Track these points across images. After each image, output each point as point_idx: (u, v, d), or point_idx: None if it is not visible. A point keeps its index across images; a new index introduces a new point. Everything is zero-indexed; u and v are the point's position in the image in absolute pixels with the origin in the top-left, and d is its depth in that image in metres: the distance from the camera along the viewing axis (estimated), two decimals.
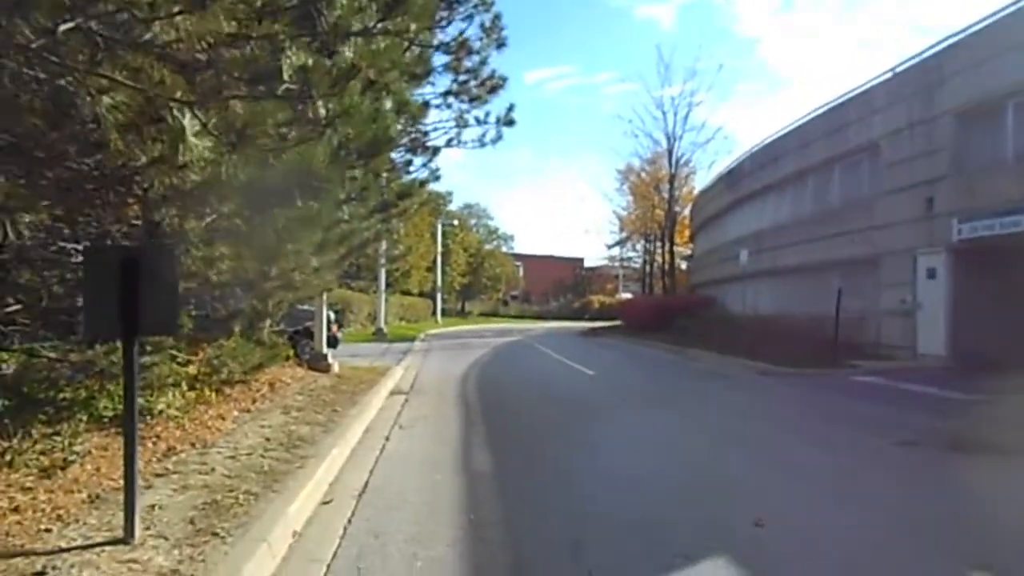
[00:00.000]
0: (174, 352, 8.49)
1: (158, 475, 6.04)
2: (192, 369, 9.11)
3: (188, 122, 4.30)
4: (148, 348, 7.18)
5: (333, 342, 18.79)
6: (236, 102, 4.78)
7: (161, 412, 7.63)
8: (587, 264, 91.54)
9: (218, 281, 8.87)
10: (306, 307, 19.13)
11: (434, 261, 51.10)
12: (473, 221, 75.09)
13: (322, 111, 5.19)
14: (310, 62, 4.60)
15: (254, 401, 9.92)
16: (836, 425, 10.36)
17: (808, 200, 24.34)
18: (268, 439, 7.76)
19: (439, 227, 51.00)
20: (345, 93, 5.17)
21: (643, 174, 44.80)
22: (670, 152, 39.72)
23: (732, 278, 30.98)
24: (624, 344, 31.07)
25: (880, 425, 10.09)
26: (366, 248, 12.60)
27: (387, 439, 8.81)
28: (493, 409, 11.64)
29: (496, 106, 14.52)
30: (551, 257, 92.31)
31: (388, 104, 7.23)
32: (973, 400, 12.08)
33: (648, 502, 6.11)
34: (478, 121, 14.11)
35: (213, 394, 9.00)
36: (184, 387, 8.52)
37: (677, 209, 41.90)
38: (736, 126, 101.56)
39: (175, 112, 4.31)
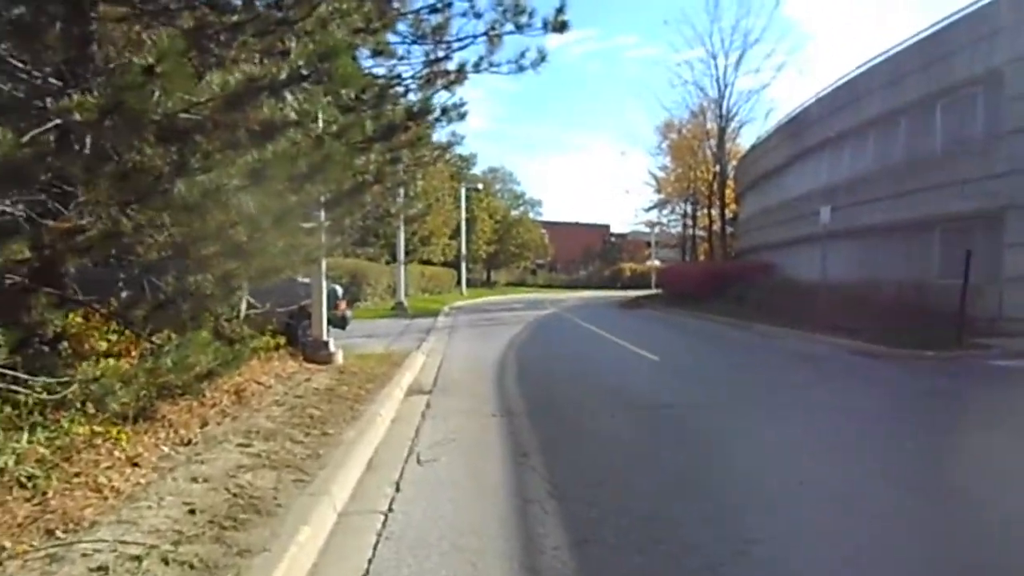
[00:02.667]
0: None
1: None
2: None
3: None
4: None
5: (341, 322, 15.74)
6: None
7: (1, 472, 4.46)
8: (614, 231, 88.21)
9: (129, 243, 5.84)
10: (307, 280, 16.08)
11: (457, 228, 47.86)
12: (498, 186, 71.56)
13: None
14: None
15: (204, 424, 6.76)
16: None
17: (899, 147, 20.65)
18: (194, 511, 4.59)
19: (462, 191, 47.64)
20: None
21: (684, 130, 40.96)
22: (720, 101, 35.73)
23: (795, 241, 27.42)
24: (674, 317, 27.72)
25: None
26: (362, 195, 9.34)
27: (397, 490, 5.63)
28: (548, 421, 8.42)
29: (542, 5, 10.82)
30: (577, 224, 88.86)
31: None
32: None
33: None
34: (517, 28, 10.56)
35: (116, 429, 5.74)
36: (73, 419, 5.36)
37: (719, 169, 38.01)
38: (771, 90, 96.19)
39: None
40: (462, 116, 12.03)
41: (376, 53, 10.47)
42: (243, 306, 10.22)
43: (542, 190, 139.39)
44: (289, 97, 5.64)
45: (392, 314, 26.89)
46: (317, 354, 11.82)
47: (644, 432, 7.87)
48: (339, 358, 12.11)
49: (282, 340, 11.53)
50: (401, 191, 14.06)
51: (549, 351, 16.30)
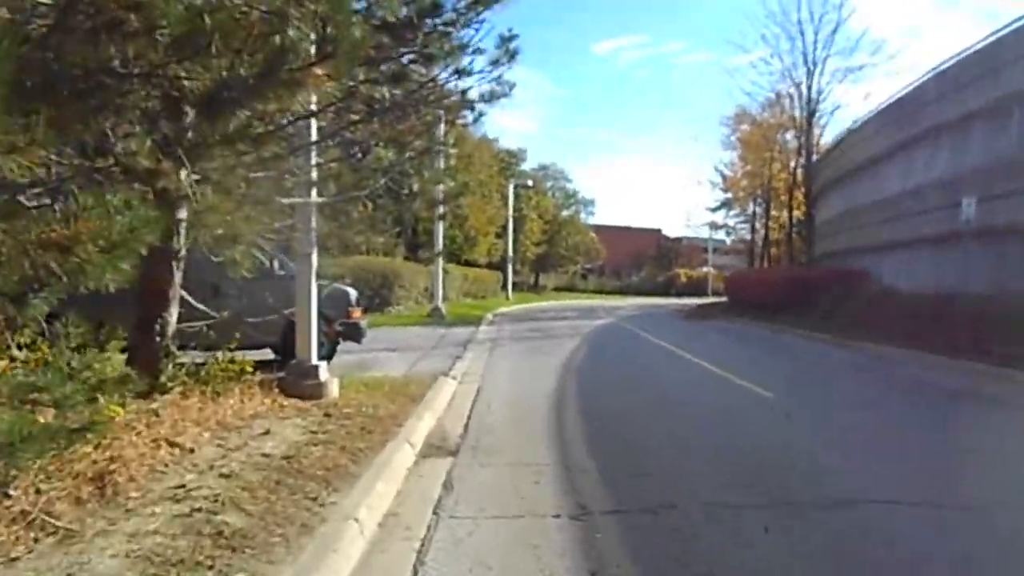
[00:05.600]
0: None
1: None
2: None
3: None
4: None
5: (355, 334, 12.38)
6: None
7: None
8: (667, 235, 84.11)
9: None
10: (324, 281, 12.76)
11: (504, 227, 44.28)
12: (549, 183, 67.62)
13: None
14: None
15: None
16: None
17: None
18: None
19: (510, 188, 44.10)
20: None
21: (760, 120, 36.49)
22: (809, 85, 31.08)
23: (896, 244, 23.26)
24: (753, 331, 23.78)
25: None
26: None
27: None
28: (654, 538, 4.75)
29: None
30: (628, 228, 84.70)
31: None
32: None
33: None
34: None
35: None
36: None
37: (804, 160, 33.44)
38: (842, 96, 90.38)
39: None
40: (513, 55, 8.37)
41: None
42: (171, 314, 6.76)
43: (591, 195, 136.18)
44: None
45: (427, 321, 23.44)
46: (300, 384, 8.31)
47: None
48: (333, 389, 8.60)
49: (249, 366, 8.08)
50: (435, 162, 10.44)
51: (621, 379, 12.53)
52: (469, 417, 8.62)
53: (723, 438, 7.73)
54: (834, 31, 31.38)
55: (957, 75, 20.43)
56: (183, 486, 4.69)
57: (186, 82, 3.30)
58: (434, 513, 5.04)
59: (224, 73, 3.07)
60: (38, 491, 3.96)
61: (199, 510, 4.24)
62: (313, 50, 3.27)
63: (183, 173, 5.58)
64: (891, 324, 17.42)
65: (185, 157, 4.51)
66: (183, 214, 5.95)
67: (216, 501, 4.42)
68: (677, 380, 12.40)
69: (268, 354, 11.14)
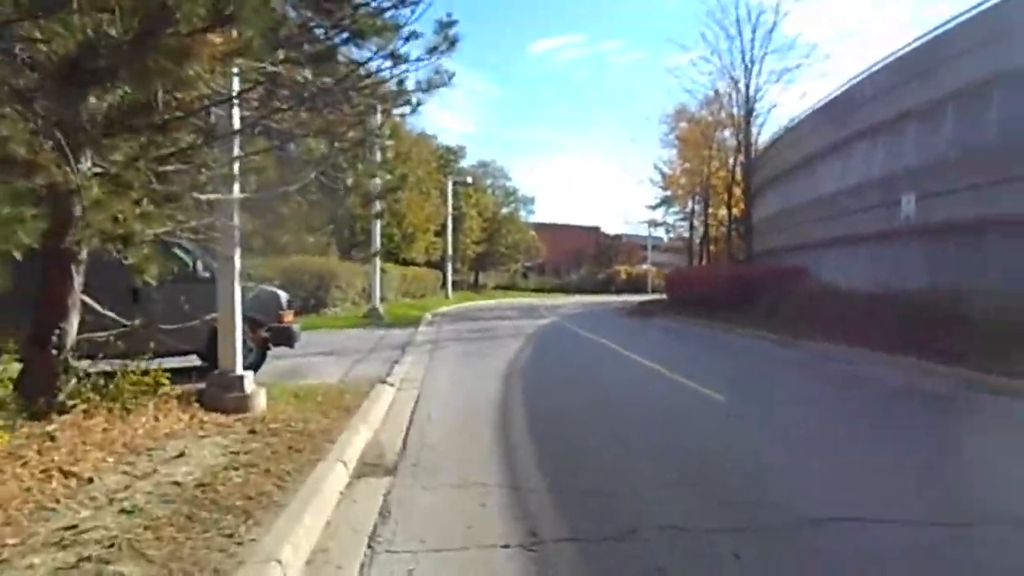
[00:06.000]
0: None
1: None
2: None
3: None
4: None
5: (286, 339, 11.67)
6: None
7: None
8: (606, 232, 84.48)
9: None
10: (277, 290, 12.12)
11: (443, 225, 43.56)
12: (489, 181, 66.98)
13: None
14: None
15: None
16: None
17: (992, 124, 16.60)
18: None
19: (449, 185, 43.41)
20: None
21: (699, 117, 36.50)
22: (747, 83, 31.16)
23: (834, 242, 23.50)
24: (697, 329, 23.72)
25: None
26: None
27: None
28: (619, 568, 4.31)
29: None
30: (567, 226, 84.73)
31: None
32: None
33: None
34: None
35: None
36: None
37: (742, 157, 33.56)
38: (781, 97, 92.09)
39: None
40: (451, 43, 7.82)
41: None
42: (71, 324, 6.02)
43: (531, 192, 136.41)
44: None
45: (364, 323, 22.68)
46: (222, 398, 7.63)
47: None
48: (259, 402, 7.94)
49: (165, 378, 7.37)
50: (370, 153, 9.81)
51: (566, 382, 12.07)
52: (408, 429, 8.06)
53: (679, 446, 7.34)
54: (771, 30, 31.62)
55: (893, 74, 20.65)
56: (74, 526, 4.04)
57: (42, 46, 2.67)
58: (369, 547, 4.50)
59: (90, 33, 2.46)
60: None
61: (88, 559, 3.61)
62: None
63: (84, 164, 4.92)
64: (831, 321, 17.40)
65: (69, 146, 3.88)
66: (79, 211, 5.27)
67: (111, 546, 3.79)
68: (625, 381, 12.02)
69: (195, 360, 10.42)
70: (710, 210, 39.78)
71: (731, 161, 35.58)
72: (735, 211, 36.18)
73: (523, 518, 5.05)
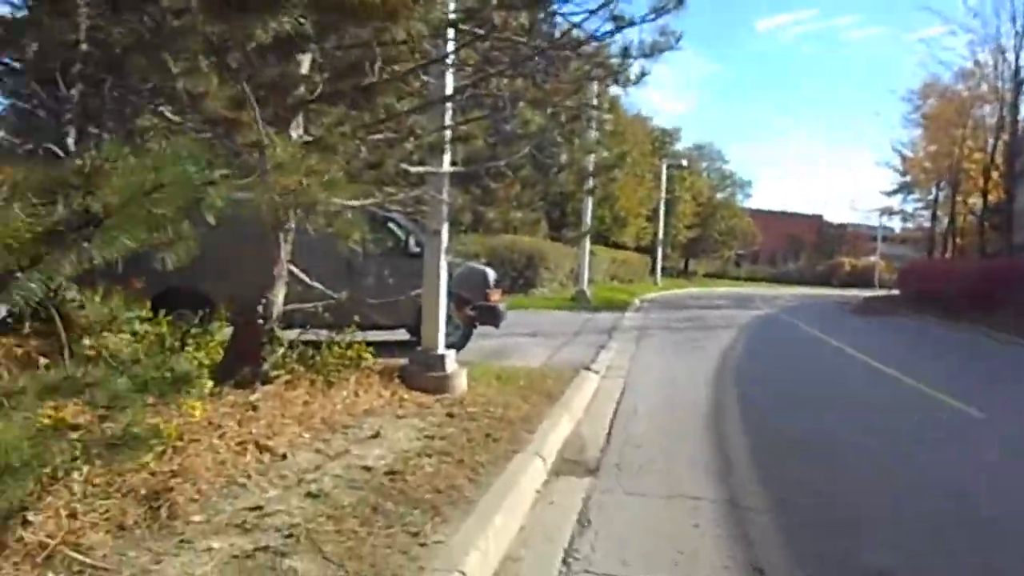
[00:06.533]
0: None
1: None
2: None
3: None
4: None
5: (491, 317, 11.46)
6: None
7: None
8: (827, 220, 78.52)
9: None
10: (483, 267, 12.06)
11: (655, 209, 42.33)
12: (704, 164, 64.39)
13: None
14: None
15: None
16: None
17: None
18: None
19: (663, 168, 42.07)
20: None
21: (951, 93, 32.30)
22: (1018, 51, 26.94)
23: None
24: (937, 331, 20.99)
25: None
26: None
27: None
28: None
29: None
30: (785, 213, 79.59)
31: None
32: None
33: None
34: None
35: None
36: None
37: (1006, 137, 29.20)
38: None
39: None
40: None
41: None
42: (277, 294, 5.99)
43: (747, 176, 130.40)
44: None
45: (571, 305, 22.35)
46: (423, 376, 7.43)
47: None
48: (460, 382, 7.67)
49: (368, 352, 7.30)
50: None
51: (790, 385, 10.81)
52: (612, 423, 7.45)
53: (933, 469, 6.14)
54: None
55: None
56: (259, 507, 3.83)
57: None
58: (564, 562, 3.95)
59: None
60: (73, 514, 3.18)
61: (265, 549, 3.34)
62: None
63: (295, 131, 4.75)
64: None
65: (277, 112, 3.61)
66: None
67: (290, 536, 3.50)
68: (859, 391, 10.56)
69: (402, 335, 10.51)
70: (959, 197, 35.20)
71: (990, 142, 31.16)
72: (990, 198, 31.77)
73: (745, 547, 4.28)
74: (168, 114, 5.24)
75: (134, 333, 6.63)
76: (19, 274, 2.26)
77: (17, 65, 7.46)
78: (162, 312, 6.45)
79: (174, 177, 2.15)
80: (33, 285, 2.34)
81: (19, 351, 5.37)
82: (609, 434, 6.98)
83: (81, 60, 6.20)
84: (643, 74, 7.66)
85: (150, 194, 2.11)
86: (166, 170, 2.12)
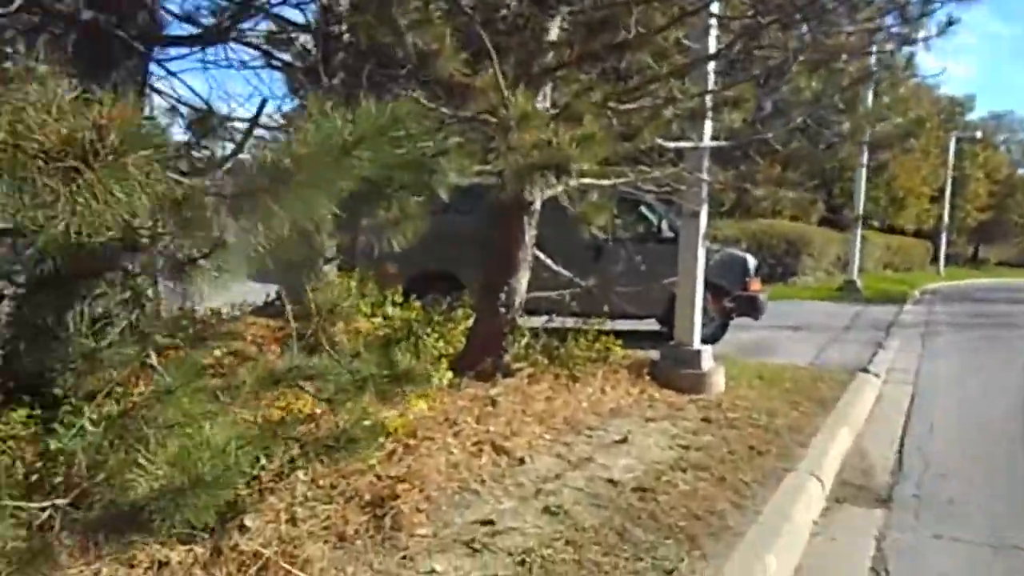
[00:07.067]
0: None
1: None
2: None
3: None
4: None
5: (750, 308, 10.51)
6: None
7: None
8: None
9: None
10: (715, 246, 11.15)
11: (940, 189, 37.41)
12: (1002, 137, 56.07)
13: None
14: None
15: None
16: None
17: None
18: None
19: (952, 141, 37.00)
20: None
21: None
22: None
23: None
24: None
25: None
26: None
27: None
28: None
29: None
30: None
31: None
32: None
33: None
34: None
35: None
36: None
37: None
38: None
39: None
40: None
41: None
42: (520, 281, 5.56)
43: None
44: None
45: (838, 296, 20.23)
46: (676, 373, 6.73)
47: None
48: (717, 381, 6.87)
49: (616, 345, 6.75)
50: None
51: None
52: (903, 440, 6.26)
53: None
54: None
55: None
56: (491, 522, 3.41)
57: None
58: None
59: None
60: (293, 520, 2.94)
61: None
62: None
63: (542, 103, 4.29)
64: None
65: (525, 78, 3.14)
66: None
67: (523, 564, 3.03)
68: None
69: (652, 325, 9.90)
70: None
71: None
72: None
73: None
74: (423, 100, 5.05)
75: (386, 317, 6.67)
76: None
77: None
78: (413, 297, 6.40)
79: (376, 130, 1.69)
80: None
81: (279, 333, 5.48)
82: (900, 454, 5.83)
83: (343, 49, 6.23)
84: (949, 23, 6.30)
85: (350, 151, 1.67)
86: (365, 122, 1.67)
